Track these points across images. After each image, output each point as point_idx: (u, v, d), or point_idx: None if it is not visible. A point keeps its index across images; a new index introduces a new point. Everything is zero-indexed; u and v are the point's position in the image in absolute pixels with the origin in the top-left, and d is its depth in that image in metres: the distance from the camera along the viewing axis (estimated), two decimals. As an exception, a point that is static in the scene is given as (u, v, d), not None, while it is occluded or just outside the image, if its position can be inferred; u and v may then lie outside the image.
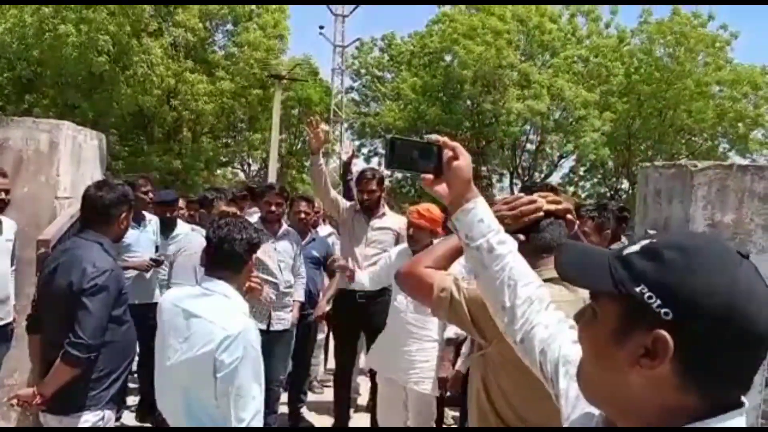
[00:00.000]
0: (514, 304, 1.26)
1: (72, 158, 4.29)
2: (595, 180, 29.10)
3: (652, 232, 4.11)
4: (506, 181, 29.05)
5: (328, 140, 4.45)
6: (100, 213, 2.62)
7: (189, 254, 3.73)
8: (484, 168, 28.50)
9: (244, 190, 5.28)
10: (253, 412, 2.00)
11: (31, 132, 4.14)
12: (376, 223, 4.36)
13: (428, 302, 1.73)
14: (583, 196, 29.19)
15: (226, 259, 2.14)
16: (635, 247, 0.86)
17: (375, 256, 4.32)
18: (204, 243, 2.25)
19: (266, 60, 20.38)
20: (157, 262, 4.45)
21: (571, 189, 30.25)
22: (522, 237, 1.67)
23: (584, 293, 1.72)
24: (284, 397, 4.75)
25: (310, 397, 5.27)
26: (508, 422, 1.74)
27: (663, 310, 0.78)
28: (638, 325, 0.80)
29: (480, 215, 1.29)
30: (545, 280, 1.69)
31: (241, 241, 2.13)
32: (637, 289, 0.80)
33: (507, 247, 1.30)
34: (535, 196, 1.74)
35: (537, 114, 23.42)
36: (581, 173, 29.00)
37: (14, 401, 2.54)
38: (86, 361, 2.39)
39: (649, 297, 0.79)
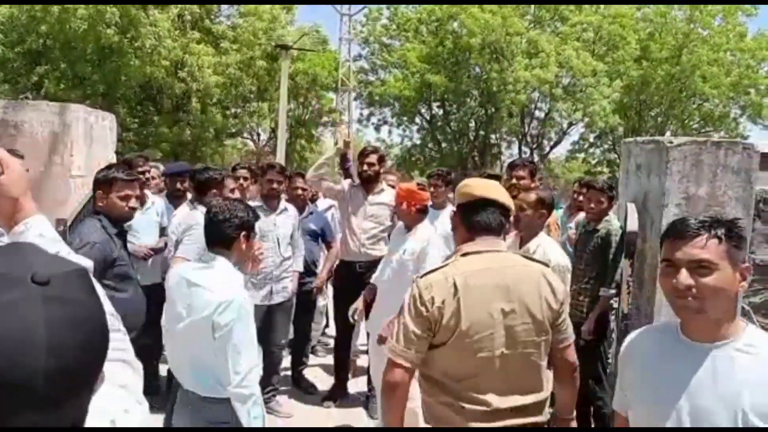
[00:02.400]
0: None
1: (84, 139, 4.57)
2: (605, 147, 29.03)
3: (631, 204, 4.34)
4: (515, 149, 29.10)
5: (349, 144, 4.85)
6: (95, 190, 2.99)
7: (195, 236, 3.82)
8: (493, 136, 28.57)
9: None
10: (247, 367, 2.30)
11: (45, 114, 4.42)
12: (374, 198, 4.68)
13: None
14: (593, 162, 29.23)
15: (218, 238, 2.44)
16: None
17: (373, 229, 4.64)
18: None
19: (271, 29, 20.43)
20: (156, 251, 4.40)
21: (581, 156, 30.30)
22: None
23: (499, 263, 2.04)
24: (288, 361, 5.10)
25: (314, 360, 5.63)
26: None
27: None
28: None
29: (31, 239, 1.07)
30: (464, 254, 2.06)
31: (228, 222, 2.42)
32: None
33: None
34: None
35: (544, 83, 23.35)
36: (591, 140, 28.93)
37: None
38: None
39: None
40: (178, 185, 4.76)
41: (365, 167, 4.64)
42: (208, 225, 2.49)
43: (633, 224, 3.67)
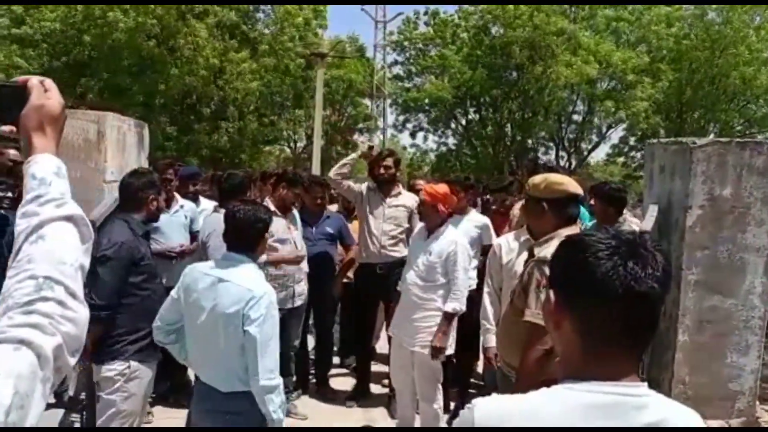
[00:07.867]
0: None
1: (117, 146, 4.76)
2: (646, 150, 28.36)
3: (654, 206, 4.29)
4: (552, 154, 28.83)
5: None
6: (131, 197, 3.16)
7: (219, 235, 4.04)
8: (529, 140, 28.30)
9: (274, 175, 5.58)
10: (275, 360, 2.41)
11: (81, 123, 4.64)
12: (392, 201, 4.76)
13: None
14: (633, 166, 28.65)
15: (243, 239, 2.57)
16: None
17: (392, 231, 4.70)
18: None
19: (303, 33, 20.70)
20: (182, 255, 4.47)
21: (621, 160, 29.76)
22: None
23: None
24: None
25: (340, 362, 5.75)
26: None
27: None
28: None
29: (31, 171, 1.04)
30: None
31: (254, 225, 2.56)
32: None
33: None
34: None
35: (587, 79, 23.09)
36: (632, 143, 28.40)
37: None
38: (100, 318, 2.81)
39: None
40: (190, 187, 5.02)
41: (382, 170, 4.74)
42: (233, 229, 2.60)
43: (647, 225, 3.65)
